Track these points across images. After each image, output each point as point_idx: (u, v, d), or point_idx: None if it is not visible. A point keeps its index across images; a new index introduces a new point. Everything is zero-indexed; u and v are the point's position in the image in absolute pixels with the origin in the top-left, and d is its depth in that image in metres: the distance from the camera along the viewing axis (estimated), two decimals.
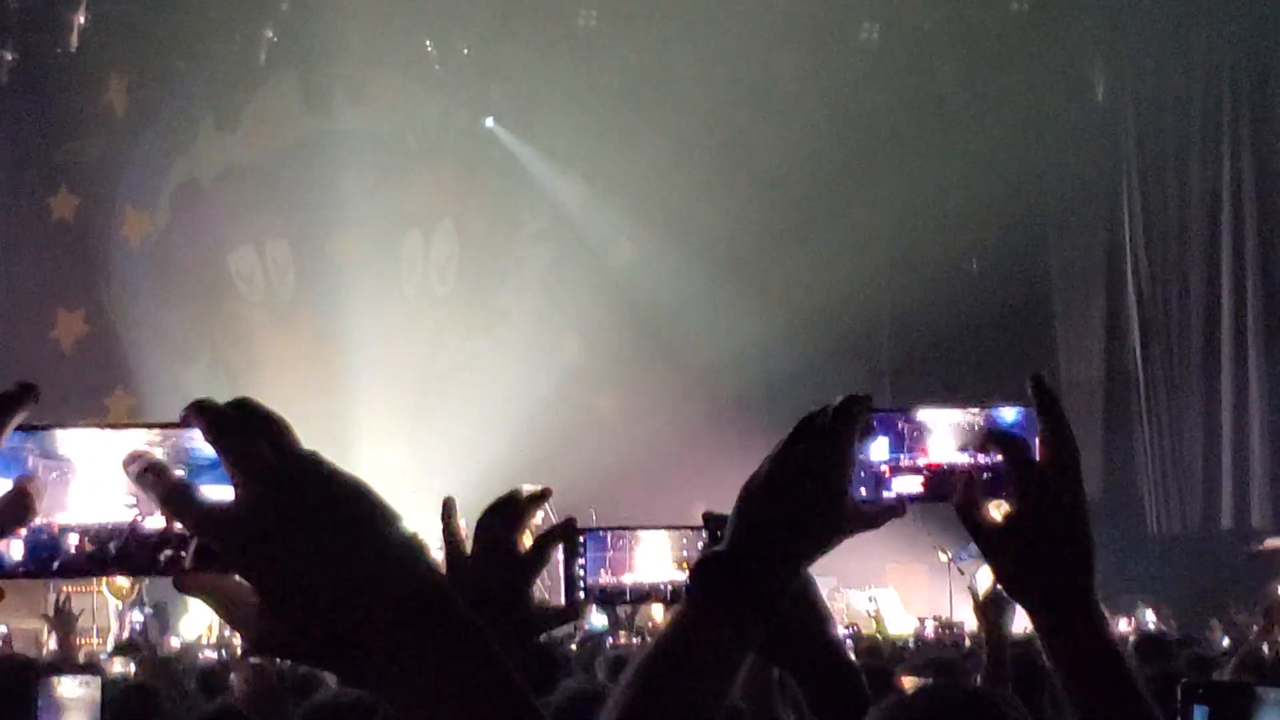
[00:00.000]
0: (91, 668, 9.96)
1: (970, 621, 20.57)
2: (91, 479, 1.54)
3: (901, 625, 20.60)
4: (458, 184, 26.33)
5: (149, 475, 1.48)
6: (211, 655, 15.89)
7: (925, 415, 2.38)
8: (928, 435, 2.37)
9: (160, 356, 24.74)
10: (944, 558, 21.49)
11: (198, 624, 20.28)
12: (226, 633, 19.00)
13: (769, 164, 24.65)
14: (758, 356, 25.20)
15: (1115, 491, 26.29)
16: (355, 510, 1.49)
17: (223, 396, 1.51)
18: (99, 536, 1.53)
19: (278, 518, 1.45)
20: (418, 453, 24.22)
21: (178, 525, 1.50)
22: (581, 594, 2.98)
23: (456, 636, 1.50)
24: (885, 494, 2.33)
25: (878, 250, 25.39)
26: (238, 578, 1.49)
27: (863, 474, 2.29)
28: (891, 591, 23.82)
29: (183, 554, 1.50)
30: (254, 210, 25.68)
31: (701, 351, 25.43)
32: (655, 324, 25.74)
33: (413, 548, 1.50)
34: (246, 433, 1.47)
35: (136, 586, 18.74)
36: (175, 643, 18.84)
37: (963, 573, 21.86)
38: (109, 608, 19.34)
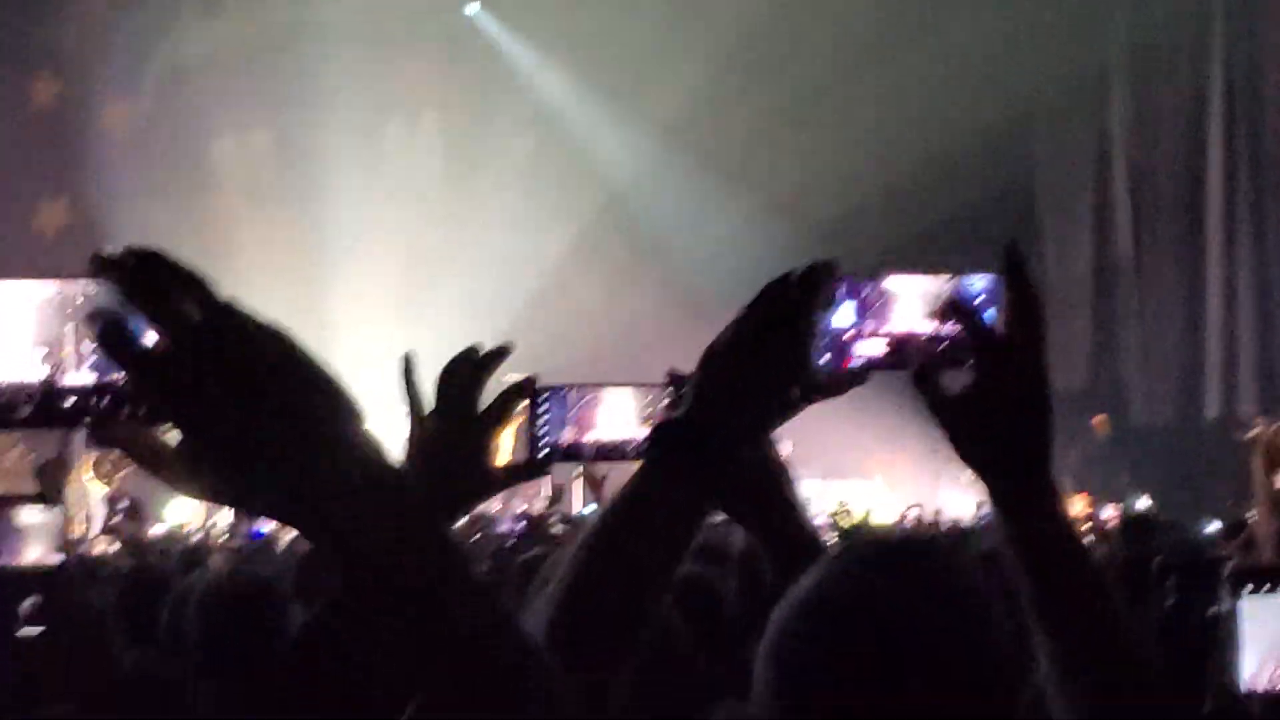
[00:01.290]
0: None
1: (954, 511, 20.69)
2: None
3: (888, 515, 20.62)
4: (440, 73, 26.16)
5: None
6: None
7: (892, 282, 2.33)
8: (894, 303, 2.33)
9: (141, 244, 24.51)
10: (930, 445, 21.47)
11: (181, 512, 20.30)
12: (210, 521, 19.04)
13: (753, 54, 24.49)
14: (740, 246, 25.09)
15: (1102, 382, 26.33)
16: (283, 358, 1.46)
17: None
18: (9, 393, 1.51)
19: (207, 367, 1.42)
20: (400, 342, 23.91)
21: (94, 378, 1.51)
22: (544, 451, 2.90)
23: (379, 485, 1.46)
24: (848, 362, 2.29)
25: (863, 142, 25.27)
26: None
27: (826, 341, 2.24)
28: (878, 481, 23.90)
29: (108, 407, 1.51)
30: (237, 99, 25.52)
31: (683, 241, 25.39)
32: (635, 212, 25.70)
33: (339, 392, 1.47)
34: (163, 288, 1.44)
35: (115, 476, 18.71)
36: (161, 530, 18.86)
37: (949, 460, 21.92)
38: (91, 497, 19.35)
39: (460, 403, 2.76)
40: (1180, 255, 26.30)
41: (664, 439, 2.15)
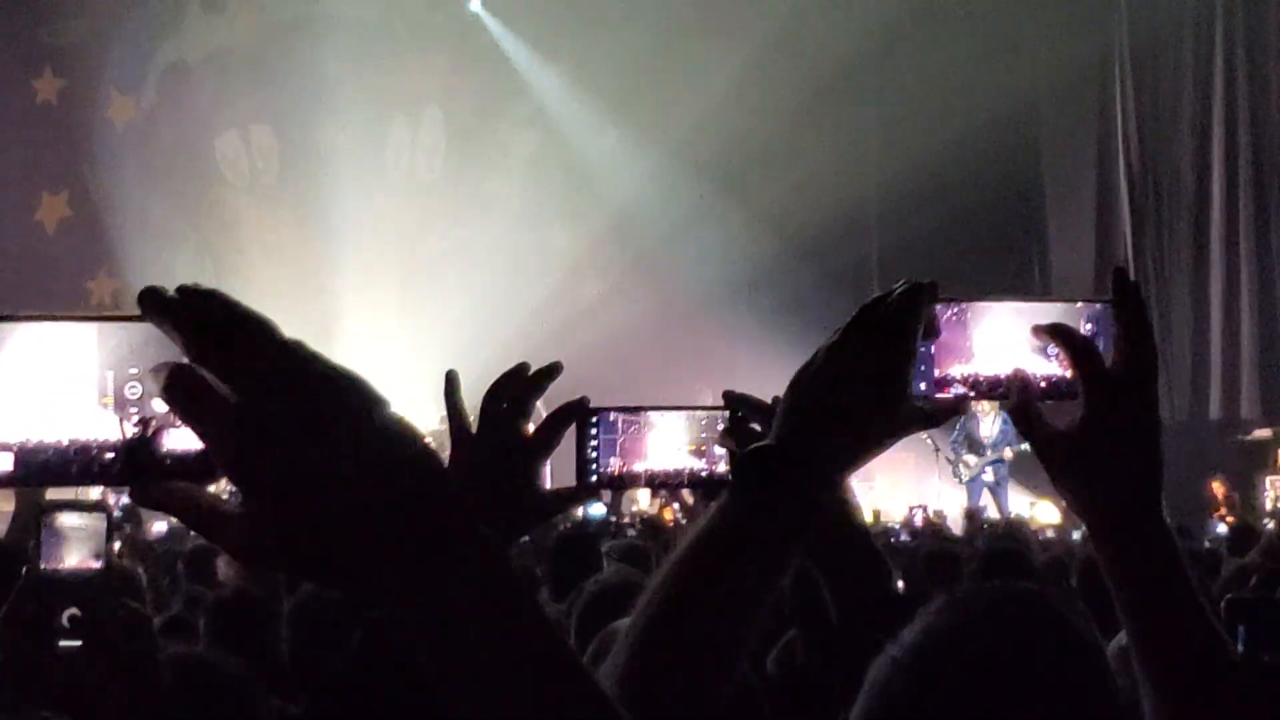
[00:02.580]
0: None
1: (953, 510, 20.68)
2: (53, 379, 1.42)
3: (892, 513, 20.56)
4: (444, 70, 26.06)
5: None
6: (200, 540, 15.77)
7: (986, 307, 2.24)
8: (987, 328, 2.23)
9: (144, 240, 24.56)
10: (930, 445, 21.46)
11: None
12: None
13: (748, 60, 24.38)
14: (740, 245, 25.05)
15: None
16: (350, 406, 1.37)
17: (207, 282, 1.38)
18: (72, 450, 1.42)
19: (274, 417, 1.33)
20: (404, 339, 24.14)
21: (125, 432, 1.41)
22: (594, 476, 2.83)
23: (463, 542, 1.39)
24: (945, 390, 2.21)
25: (863, 140, 25.23)
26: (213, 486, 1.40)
27: (922, 368, 2.17)
28: (878, 482, 23.83)
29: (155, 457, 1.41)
30: (240, 95, 25.44)
31: (683, 244, 25.29)
32: (636, 215, 25.62)
33: (414, 444, 1.39)
34: (228, 332, 1.35)
35: None
36: (161, 527, 18.74)
37: (950, 461, 21.92)
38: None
39: (507, 423, 2.70)
40: (1184, 253, 26.21)
41: (752, 469, 2.05)
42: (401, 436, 1.37)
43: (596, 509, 19.02)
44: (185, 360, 1.35)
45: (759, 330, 22.62)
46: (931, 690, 1.86)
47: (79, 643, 3.23)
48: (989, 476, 21.78)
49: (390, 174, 25.88)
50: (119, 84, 25.48)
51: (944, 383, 2.20)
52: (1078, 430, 2.15)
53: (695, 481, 2.78)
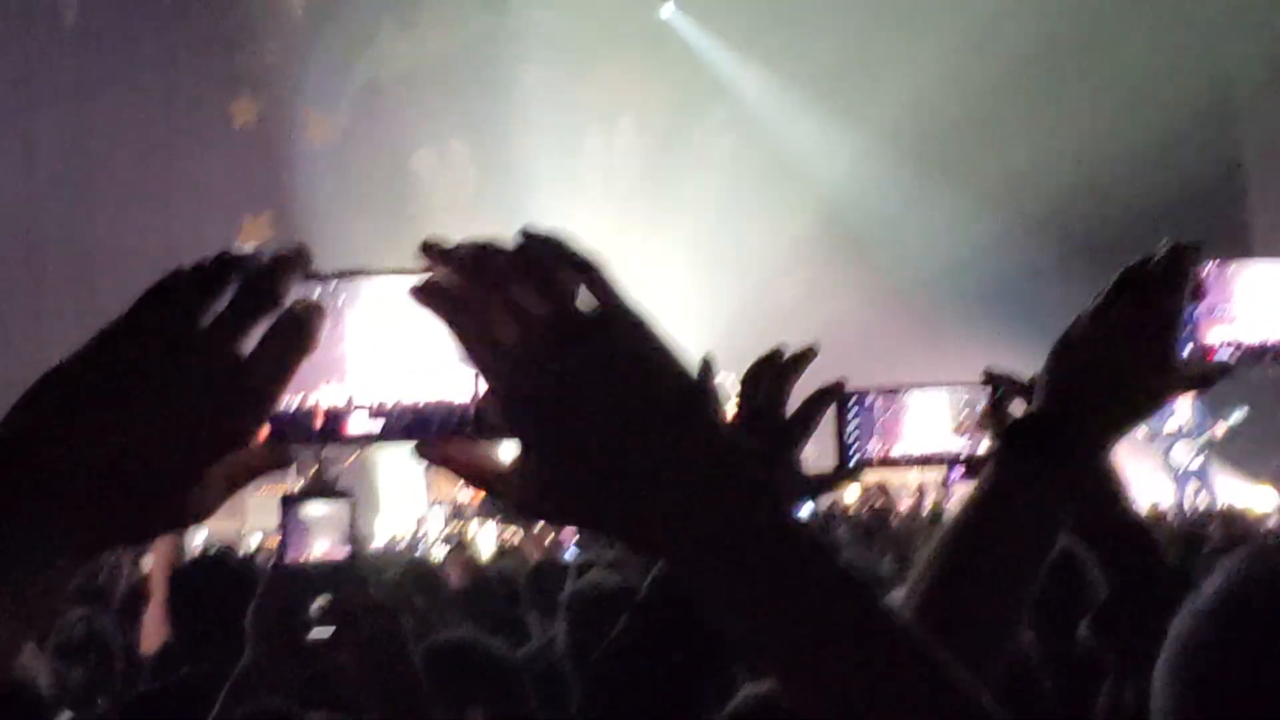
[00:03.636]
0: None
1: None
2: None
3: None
4: (637, 78, 26.11)
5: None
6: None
7: (1248, 265, 2.17)
8: (1249, 288, 2.15)
9: (346, 260, 24.56)
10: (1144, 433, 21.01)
11: (393, 524, 20.34)
12: (421, 531, 19.04)
13: (954, 43, 24.16)
14: (943, 239, 24.82)
15: None
16: (668, 366, 1.37)
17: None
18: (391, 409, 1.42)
19: (586, 364, 1.33)
20: None
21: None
22: (854, 459, 2.71)
23: (769, 516, 1.33)
24: (1213, 353, 2.12)
25: (1067, 127, 24.89)
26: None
27: (1188, 330, 2.09)
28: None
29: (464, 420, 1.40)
30: (435, 112, 25.70)
31: (886, 236, 25.15)
32: (838, 209, 25.50)
33: (718, 411, 1.37)
34: (552, 268, 1.37)
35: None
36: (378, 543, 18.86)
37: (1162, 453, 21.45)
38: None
39: (767, 407, 2.60)
40: None
41: (1021, 437, 2.00)
42: (711, 403, 1.37)
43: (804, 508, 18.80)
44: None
45: (963, 322, 22.43)
46: (1240, 636, 1.73)
47: (329, 633, 3.17)
48: (1195, 465, 21.32)
49: (588, 184, 25.89)
50: (316, 104, 25.78)
51: (1209, 346, 2.13)
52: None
53: (957, 462, 2.66)
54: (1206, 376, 2.11)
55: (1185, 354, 2.09)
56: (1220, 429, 20.94)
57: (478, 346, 1.33)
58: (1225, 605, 1.77)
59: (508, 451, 1.35)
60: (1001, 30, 23.95)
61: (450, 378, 1.42)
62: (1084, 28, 24.60)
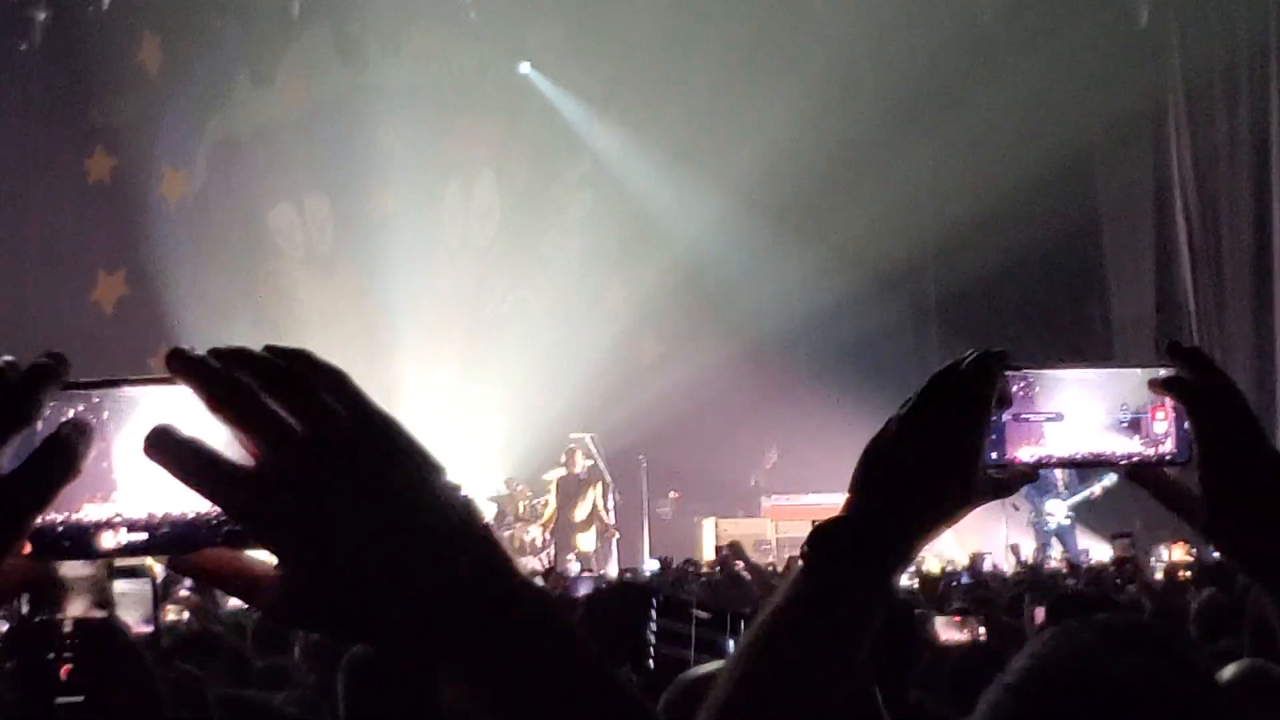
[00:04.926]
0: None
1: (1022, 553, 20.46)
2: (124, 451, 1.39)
3: (955, 557, 20.40)
4: (497, 133, 26.17)
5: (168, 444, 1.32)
6: None
7: (1055, 376, 2.17)
8: (1057, 399, 2.16)
9: (202, 316, 24.60)
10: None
11: None
12: None
13: (807, 103, 24.36)
14: (798, 297, 25.02)
15: None
16: (414, 471, 1.35)
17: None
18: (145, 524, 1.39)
19: (334, 477, 1.31)
20: (467, 401, 24.14)
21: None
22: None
23: (532, 619, 1.37)
24: (1016, 458, 2.13)
25: (919, 186, 25.21)
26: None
27: (994, 437, 2.09)
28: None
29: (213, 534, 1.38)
30: (292, 167, 25.56)
31: (743, 293, 25.33)
32: (696, 267, 25.64)
33: (474, 516, 1.37)
34: (307, 382, 1.34)
35: None
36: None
37: (1016, 508, 21.66)
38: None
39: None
40: (1245, 292, 26.01)
41: (826, 542, 2.00)
42: (455, 504, 1.36)
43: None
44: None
45: (818, 379, 22.59)
46: (1040, 712, 1.84)
47: (80, 699, 3.08)
48: (1062, 522, 21.60)
49: (446, 239, 25.93)
50: (170, 161, 25.59)
51: (1013, 456, 2.15)
52: (1220, 484, 2.10)
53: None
54: (1008, 485, 2.11)
55: (991, 459, 2.09)
56: (1098, 489, 21.23)
57: (222, 462, 1.32)
58: (1030, 681, 1.86)
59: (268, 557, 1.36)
60: (855, 92, 24.20)
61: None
62: (934, 94, 24.90)
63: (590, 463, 23.38)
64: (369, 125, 25.21)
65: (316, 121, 25.53)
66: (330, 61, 25.60)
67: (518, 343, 25.00)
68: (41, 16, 24.44)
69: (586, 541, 23.56)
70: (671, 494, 25.12)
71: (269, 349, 1.37)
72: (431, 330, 24.82)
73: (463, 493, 1.38)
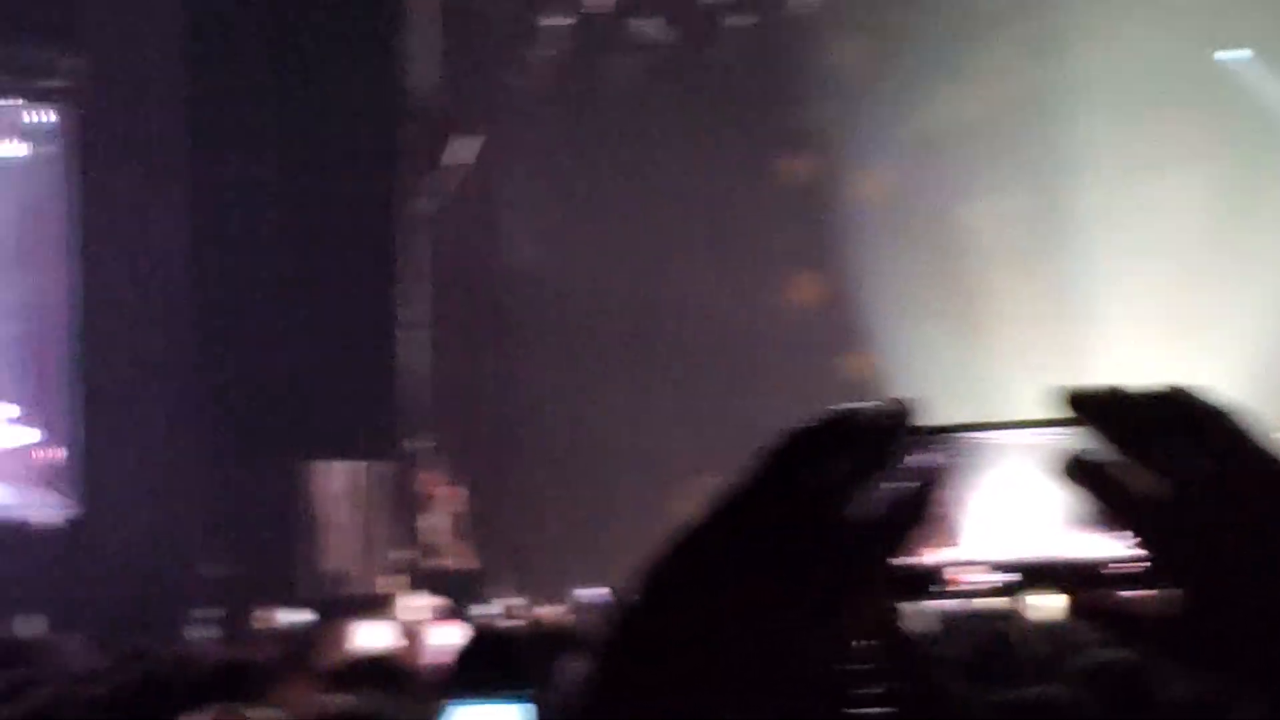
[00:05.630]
0: None
1: None
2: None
3: None
4: (1194, 125, 25.14)
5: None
6: None
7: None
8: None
9: (896, 315, 24.63)
10: None
11: None
12: None
13: None
14: None
15: None
16: None
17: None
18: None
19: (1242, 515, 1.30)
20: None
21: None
22: None
23: None
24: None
25: None
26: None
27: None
28: None
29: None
30: (985, 163, 25.28)
31: None
32: None
33: None
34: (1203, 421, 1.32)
35: None
36: None
37: None
38: None
39: None
40: None
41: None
42: None
43: None
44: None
45: None
46: None
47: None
48: None
49: (1148, 233, 24.90)
50: (865, 161, 25.75)
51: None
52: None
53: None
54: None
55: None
56: None
57: (1126, 506, 1.32)
58: None
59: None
60: None
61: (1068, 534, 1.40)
62: None
63: None
64: (1062, 120, 24.78)
65: (1011, 116, 25.17)
66: (1025, 56, 25.24)
67: (1221, 337, 23.83)
68: (746, 22, 25.00)
69: None
70: None
71: (1172, 385, 1.34)
72: (1131, 330, 23.98)
73: None
